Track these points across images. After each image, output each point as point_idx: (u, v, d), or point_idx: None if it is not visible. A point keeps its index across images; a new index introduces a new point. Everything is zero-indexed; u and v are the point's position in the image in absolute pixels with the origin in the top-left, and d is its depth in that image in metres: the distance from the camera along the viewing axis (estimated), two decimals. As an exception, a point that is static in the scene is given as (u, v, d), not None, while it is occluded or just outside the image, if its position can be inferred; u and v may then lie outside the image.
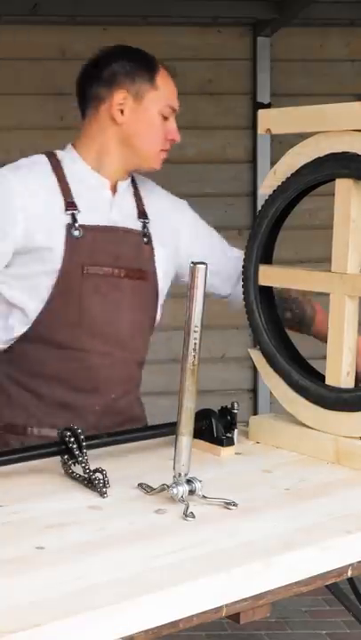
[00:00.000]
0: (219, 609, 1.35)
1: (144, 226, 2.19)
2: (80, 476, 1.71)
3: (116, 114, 2.12)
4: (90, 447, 1.75)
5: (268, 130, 2.02)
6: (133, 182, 2.25)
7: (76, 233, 2.07)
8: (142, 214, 2.21)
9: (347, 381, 1.91)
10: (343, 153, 1.87)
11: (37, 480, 1.73)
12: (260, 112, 2.07)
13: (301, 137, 1.95)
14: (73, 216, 2.08)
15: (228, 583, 1.34)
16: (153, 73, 2.15)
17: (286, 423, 1.98)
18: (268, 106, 4.51)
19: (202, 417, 1.89)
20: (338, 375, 1.90)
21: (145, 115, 2.13)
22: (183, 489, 1.60)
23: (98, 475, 1.67)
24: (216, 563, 1.37)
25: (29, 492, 1.67)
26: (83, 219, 2.09)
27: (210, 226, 2.39)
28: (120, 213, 2.17)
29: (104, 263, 2.10)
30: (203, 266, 1.60)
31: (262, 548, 1.43)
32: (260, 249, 2.03)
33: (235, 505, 1.60)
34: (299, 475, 1.80)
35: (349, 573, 1.53)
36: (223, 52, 4.68)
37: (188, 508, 1.56)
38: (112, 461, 1.81)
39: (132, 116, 2.13)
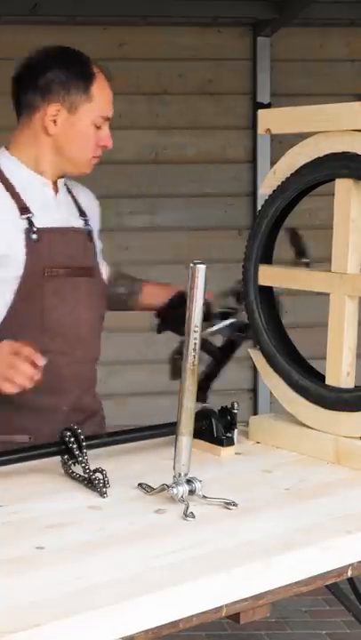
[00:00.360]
0: (219, 609, 1.35)
1: (86, 223, 2.23)
2: (80, 475, 1.71)
3: (49, 125, 2.11)
4: (90, 447, 1.75)
5: (268, 130, 2.02)
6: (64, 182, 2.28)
7: (35, 237, 2.08)
8: (82, 212, 2.24)
9: (347, 381, 1.91)
10: (343, 153, 1.87)
11: (37, 480, 1.73)
12: (260, 112, 2.07)
13: (301, 137, 1.95)
14: (29, 220, 2.09)
15: (228, 583, 1.34)
16: (88, 83, 2.13)
17: (286, 423, 1.98)
18: (268, 106, 4.51)
19: (202, 417, 1.89)
20: (338, 375, 1.90)
21: (78, 126, 2.12)
22: (183, 489, 1.60)
23: (98, 475, 1.67)
24: (216, 563, 1.37)
25: (29, 491, 1.67)
26: (37, 222, 2.10)
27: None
28: (65, 212, 2.20)
29: (61, 264, 2.12)
30: (203, 266, 1.60)
31: (262, 548, 1.43)
32: (260, 249, 2.03)
33: (235, 505, 1.60)
34: (299, 475, 1.80)
35: (349, 573, 1.53)
36: (223, 51, 4.68)
37: (188, 508, 1.56)
38: (112, 461, 1.81)
39: (64, 127, 2.12)
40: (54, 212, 2.16)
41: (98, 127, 2.14)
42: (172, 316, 2.30)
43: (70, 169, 2.18)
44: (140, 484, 1.67)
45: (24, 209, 2.10)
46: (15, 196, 2.11)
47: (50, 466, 1.78)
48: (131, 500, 1.64)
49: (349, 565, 1.51)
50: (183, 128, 4.59)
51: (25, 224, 2.09)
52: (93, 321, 2.22)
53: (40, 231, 2.09)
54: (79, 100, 2.11)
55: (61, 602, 1.23)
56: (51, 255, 2.11)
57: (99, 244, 2.32)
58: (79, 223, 2.22)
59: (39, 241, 2.09)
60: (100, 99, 2.13)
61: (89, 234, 2.23)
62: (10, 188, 2.11)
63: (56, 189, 2.19)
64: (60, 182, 2.21)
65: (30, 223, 2.09)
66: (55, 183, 2.19)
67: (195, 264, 1.60)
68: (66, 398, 2.17)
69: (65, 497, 1.65)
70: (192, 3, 4.46)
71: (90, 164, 2.18)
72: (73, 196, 2.26)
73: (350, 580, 2.19)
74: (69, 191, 2.25)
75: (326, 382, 1.92)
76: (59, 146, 2.13)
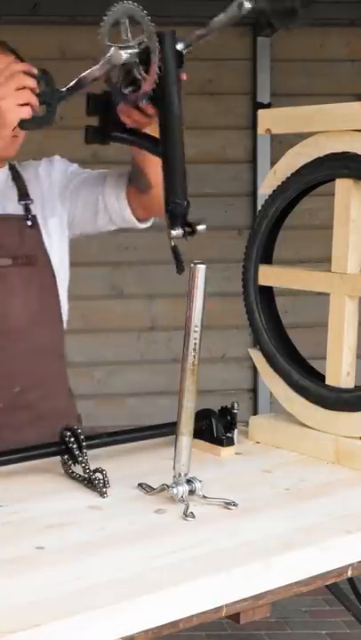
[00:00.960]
0: (219, 609, 1.35)
1: (26, 208, 2.13)
2: (80, 475, 1.71)
3: None
4: (90, 447, 1.75)
5: (268, 130, 2.02)
6: (14, 168, 2.20)
7: None
8: (23, 196, 2.15)
9: (347, 381, 1.91)
10: (343, 153, 1.87)
11: (37, 480, 1.73)
12: (260, 112, 2.07)
13: (301, 137, 1.95)
14: None
15: (228, 583, 1.34)
16: None
17: (286, 423, 1.98)
18: (268, 106, 4.52)
19: (202, 417, 1.89)
20: (338, 375, 1.91)
21: None
22: (183, 489, 1.60)
23: (98, 475, 1.67)
24: (216, 563, 1.37)
25: (29, 492, 1.67)
26: None
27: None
28: None
29: None
30: (203, 266, 1.60)
31: (262, 548, 1.43)
32: (261, 249, 2.03)
33: (235, 505, 1.60)
34: (299, 475, 1.80)
35: (349, 573, 1.53)
36: (223, 51, 4.68)
37: (188, 508, 1.56)
38: (112, 461, 1.81)
39: None
40: None
41: None
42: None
43: None
44: (139, 484, 1.67)
45: None
46: None
47: (50, 466, 1.78)
48: (131, 500, 1.64)
49: (349, 565, 1.51)
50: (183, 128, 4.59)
51: None
52: (34, 312, 2.11)
53: None
54: None
55: (61, 602, 1.23)
56: None
57: (85, 175, 2.20)
58: (16, 209, 2.12)
59: None
60: None
61: (28, 219, 2.12)
62: None
63: None
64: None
65: None
66: None
67: (195, 264, 1.61)
68: (0, 395, 2.07)
69: (65, 497, 1.65)
70: (192, 3, 4.46)
71: (8, 144, 2.01)
72: (21, 183, 2.16)
73: (350, 580, 2.19)
74: (17, 179, 2.16)
75: (326, 382, 1.92)
76: None
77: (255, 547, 1.44)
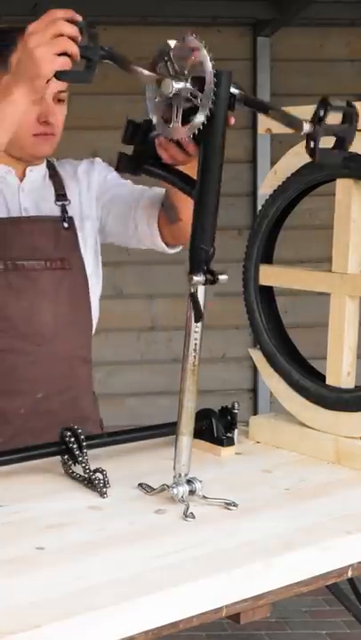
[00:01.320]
0: (219, 609, 1.35)
1: (63, 209, 2.07)
2: (80, 476, 1.71)
3: None
4: (90, 447, 1.75)
5: (269, 129, 2.01)
6: (52, 166, 2.13)
7: None
8: (61, 196, 2.08)
9: (347, 381, 1.91)
10: (343, 153, 1.86)
11: (37, 480, 1.73)
12: (261, 112, 2.06)
13: (301, 137, 1.95)
14: None
15: (228, 583, 1.34)
16: (6, 56, 1.94)
17: (286, 423, 1.98)
18: (268, 106, 4.51)
19: (202, 417, 1.89)
20: (338, 375, 1.90)
21: None
22: (183, 489, 1.59)
23: (98, 475, 1.67)
24: (216, 563, 1.37)
25: (30, 492, 1.67)
26: None
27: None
28: (31, 200, 2.05)
29: (16, 257, 1.98)
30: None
31: (262, 549, 1.43)
32: (261, 249, 2.03)
33: (235, 505, 1.60)
34: (299, 475, 1.80)
35: (350, 574, 1.53)
36: (223, 51, 4.65)
37: (188, 508, 1.56)
38: (112, 461, 1.81)
39: None
40: (15, 200, 2.02)
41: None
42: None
43: (16, 151, 2.00)
44: (140, 485, 1.67)
45: None
46: None
47: (50, 466, 1.77)
48: (131, 500, 1.63)
49: (350, 566, 1.51)
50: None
51: None
52: (64, 316, 2.05)
53: None
54: (2, 73, 1.92)
55: (61, 602, 1.23)
56: (2, 247, 1.96)
57: (123, 187, 2.13)
58: (52, 210, 2.06)
59: None
60: None
61: (65, 220, 2.06)
62: None
63: (23, 175, 2.05)
64: (35, 169, 2.07)
65: None
66: (24, 171, 2.05)
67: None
68: (23, 400, 2.04)
69: (65, 497, 1.65)
70: (192, 3, 4.47)
71: (33, 144, 2.00)
72: (58, 182, 2.10)
73: (350, 581, 2.19)
74: (54, 177, 2.10)
75: (327, 382, 1.92)
76: None
77: (255, 547, 1.44)
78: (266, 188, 2.02)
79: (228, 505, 1.60)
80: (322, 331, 1.96)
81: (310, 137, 1.52)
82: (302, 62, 4.76)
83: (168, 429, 1.88)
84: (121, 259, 4.82)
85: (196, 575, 1.32)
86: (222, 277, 1.55)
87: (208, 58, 1.53)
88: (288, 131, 1.80)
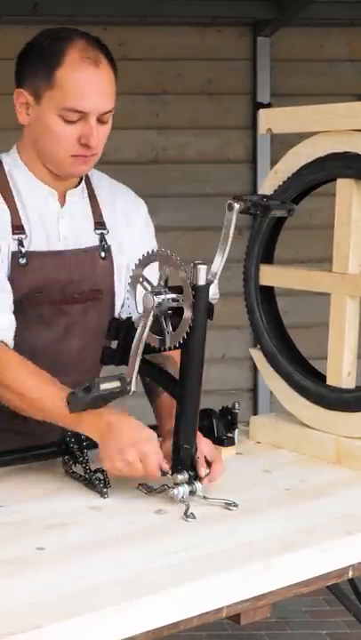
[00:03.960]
0: (219, 610, 1.35)
1: (102, 238, 1.97)
2: (80, 476, 1.71)
3: (20, 114, 1.86)
4: (90, 447, 1.75)
5: (269, 129, 2.01)
6: (89, 183, 2.00)
7: (23, 261, 1.85)
8: (99, 224, 1.97)
9: (348, 382, 1.90)
10: (344, 153, 1.87)
11: (38, 480, 1.73)
12: (261, 112, 2.07)
13: (301, 137, 1.95)
14: (20, 241, 1.86)
15: (228, 584, 1.34)
16: (52, 68, 1.80)
17: (287, 423, 1.98)
18: (268, 106, 4.51)
19: (203, 417, 1.89)
20: (339, 375, 1.90)
21: (42, 117, 1.83)
22: (184, 489, 1.59)
23: (98, 475, 1.67)
24: (216, 563, 1.37)
25: (30, 492, 1.67)
26: (30, 243, 1.87)
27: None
28: (71, 229, 1.94)
29: (51, 290, 1.90)
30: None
31: (263, 549, 1.43)
32: (261, 249, 2.03)
33: (235, 505, 1.59)
34: (299, 475, 1.80)
35: (350, 574, 1.53)
36: (223, 51, 4.68)
37: (188, 508, 1.56)
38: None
39: (32, 118, 1.85)
40: (55, 228, 1.92)
41: (69, 121, 1.81)
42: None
43: (54, 168, 1.89)
44: (140, 485, 1.67)
45: (17, 227, 1.87)
46: (13, 210, 1.88)
47: (50, 466, 1.78)
48: (131, 500, 1.63)
49: (350, 566, 1.51)
50: (183, 128, 4.58)
51: (15, 245, 1.86)
52: (89, 344, 1.97)
53: (30, 255, 1.86)
54: (42, 87, 1.81)
55: (62, 603, 1.23)
56: (38, 281, 1.88)
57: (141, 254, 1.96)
58: (91, 239, 1.96)
59: (27, 265, 1.86)
60: (66, 88, 1.79)
61: (103, 250, 1.96)
62: (8, 197, 1.88)
63: (63, 200, 1.93)
64: (74, 192, 1.95)
65: (20, 244, 1.86)
66: (64, 193, 1.93)
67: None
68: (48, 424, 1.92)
69: (65, 497, 1.65)
70: (192, 3, 4.46)
71: (70, 164, 1.86)
72: (95, 204, 1.99)
73: (351, 581, 2.19)
74: (92, 198, 1.99)
75: (327, 382, 1.92)
76: (34, 140, 1.87)
77: (256, 547, 1.44)
78: (266, 189, 2.02)
79: (229, 505, 1.60)
80: (322, 331, 1.96)
81: None
82: (302, 62, 4.75)
83: (168, 429, 1.88)
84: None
85: (196, 575, 1.32)
86: (205, 472, 1.63)
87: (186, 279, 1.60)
88: (288, 131, 1.81)
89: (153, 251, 1.67)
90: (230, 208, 1.64)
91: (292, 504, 1.65)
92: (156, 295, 1.61)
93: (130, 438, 1.64)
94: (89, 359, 2.00)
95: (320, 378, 1.95)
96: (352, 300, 1.89)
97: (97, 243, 1.96)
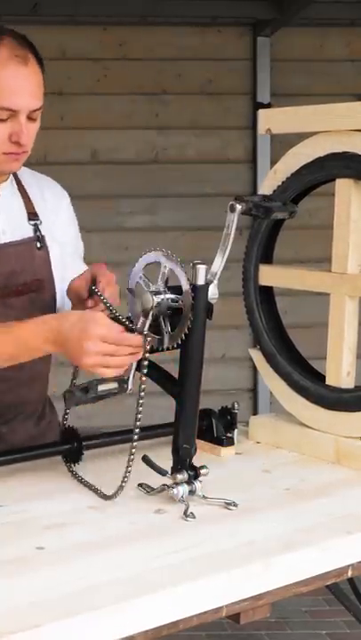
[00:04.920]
0: (219, 609, 1.35)
1: (36, 229, 1.99)
2: (81, 477, 1.71)
3: None
4: (90, 447, 1.75)
5: (269, 130, 2.02)
6: (15, 176, 2.02)
7: None
8: (32, 215, 2.00)
9: (347, 381, 1.91)
10: (343, 153, 1.87)
11: (37, 480, 1.73)
12: (261, 112, 2.07)
13: (301, 137, 1.95)
14: None
15: (228, 583, 1.34)
16: None
17: (286, 423, 1.98)
18: (268, 106, 4.52)
19: (202, 417, 1.89)
20: (338, 375, 1.90)
21: None
22: (183, 489, 1.60)
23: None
24: (216, 563, 1.37)
25: (30, 492, 1.67)
26: None
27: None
28: (6, 220, 1.96)
29: None
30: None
31: (262, 549, 1.43)
32: (261, 249, 2.03)
33: (235, 505, 1.60)
34: (299, 475, 1.80)
35: (350, 574, 1.53)
36: (223, 51, 4.69)
37: (188, 508, 1.56)
38: (112, 461, 1.81)
39: None
40: None
41: (0, 120, 1.82)
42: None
43: None
44: (140, 485, 1.67)
45: None
46: None
47: (50, 466, 1.78)
48: (131, 500, 1.63)
49: (349, 566, 1.51)
50: (183, 128, 4.59)
51: None
52: None
53: None
54: None
55: (61, 602, 1.23)
56: None
57: (71, 247, 2.07)
58: (26, 230, 1.98)
59: None
60: None
61: (38, 240, 1.98)
62: None
63: None
64: (5, 186, 1.97)
65: None
66: None
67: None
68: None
69: (65, 497, 1.65)
70: (192, 3, 4.47)
71: (2, 161, 1.87)
72: (25, 196, 2.01)
73: (350, 580, 2.19)
74: (21, 190, 2.01)
75: (327, 382, 1.92)
76: None
77: (255, 547, 1.44)
78: (266, 189, 2.02)
79: (228, 505, 1.60)
80: (321, 331, 1.96)
81: None
82: (302, 62, 4.76)
83: (167, 429, 1.88)
84: (121, 259, 4.83)
85: (195, 575, 1.32)
86: (204, 471, 1.63)
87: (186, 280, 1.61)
88: (288, 131, 1.81)
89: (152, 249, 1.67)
90: (232, 209, 1.65)
91: (292, 504, 1.65)
92: (155, 295, 1.61)
93: (78, 331, 1.62)
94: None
95: (319, 378, 1.95)
96: (351, 299, 1.89)
97: (32, 234, 1.99)
